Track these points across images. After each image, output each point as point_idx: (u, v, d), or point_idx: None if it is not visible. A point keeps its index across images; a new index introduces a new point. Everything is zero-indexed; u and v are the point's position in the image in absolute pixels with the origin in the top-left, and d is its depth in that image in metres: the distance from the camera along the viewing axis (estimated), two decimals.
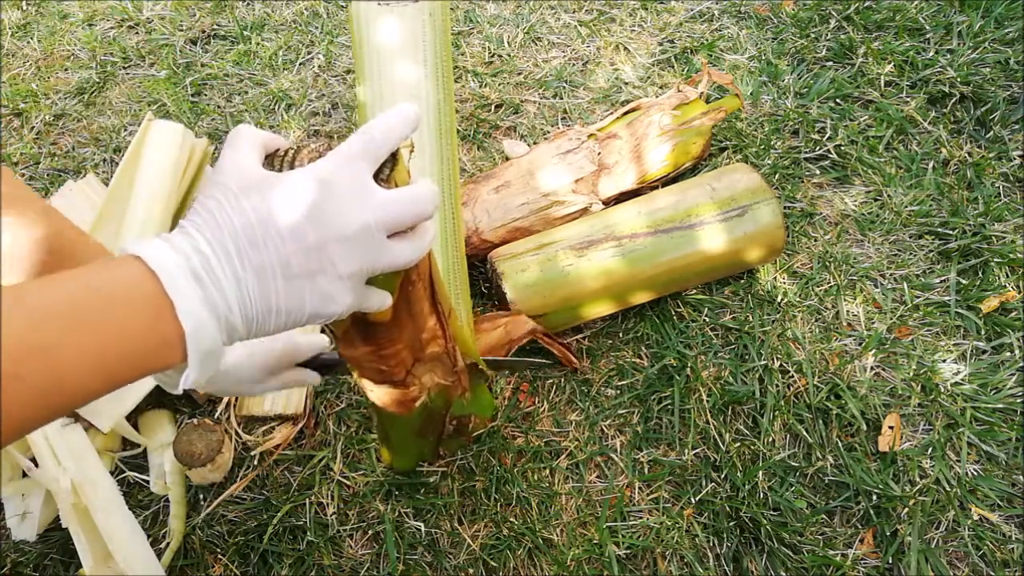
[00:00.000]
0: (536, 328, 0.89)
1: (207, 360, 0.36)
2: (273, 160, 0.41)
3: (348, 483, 0.89)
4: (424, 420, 0.71)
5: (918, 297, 1.01)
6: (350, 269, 0.38)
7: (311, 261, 0.36)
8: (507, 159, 1.14)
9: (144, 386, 0.88)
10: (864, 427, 0.90)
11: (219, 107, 1.30)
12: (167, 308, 0.33)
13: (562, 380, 0.96)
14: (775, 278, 1.03)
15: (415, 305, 0.54)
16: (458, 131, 1.24)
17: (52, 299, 0.31)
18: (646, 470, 0.90)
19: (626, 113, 1.11)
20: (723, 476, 0.88)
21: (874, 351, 0.96)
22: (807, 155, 1.17)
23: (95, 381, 0.32)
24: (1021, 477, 0.87)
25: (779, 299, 1.01)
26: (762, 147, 1.17)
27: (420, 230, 0.42)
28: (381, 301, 0.43)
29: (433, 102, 0.75)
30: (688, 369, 0.95)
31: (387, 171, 0.40)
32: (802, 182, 1.14)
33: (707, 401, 0.93)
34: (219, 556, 0.85)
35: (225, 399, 0.94)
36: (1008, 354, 0.95)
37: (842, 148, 1.17)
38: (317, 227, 0.36)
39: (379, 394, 0.63)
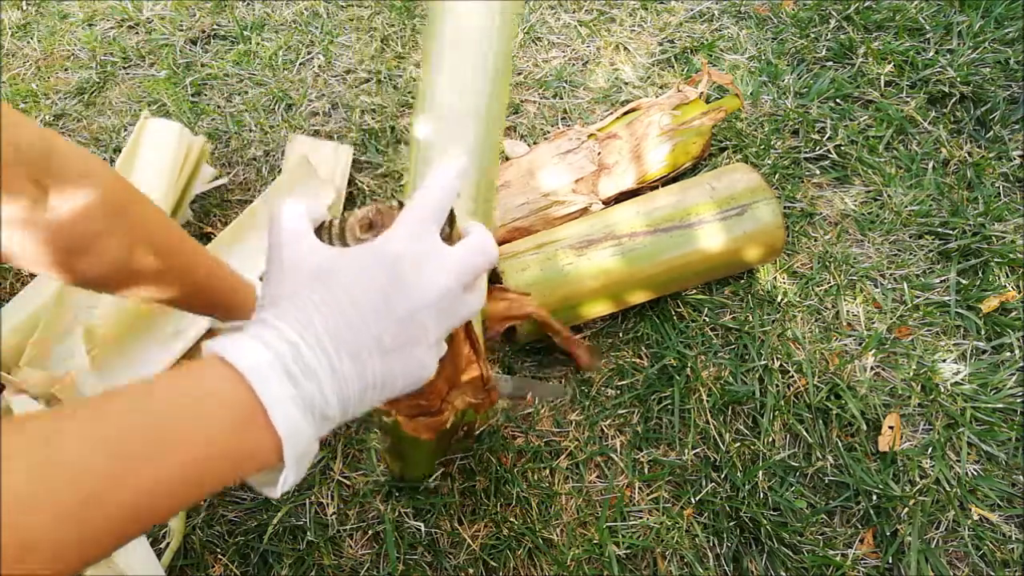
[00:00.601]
0: (536, 311, 0.87)
1: (303, 460, 0.34)
2: (320, 233, 0.40)
3: (348, 483, 0.89)
4: (442, 434, 0.71)
5: (918, 297, 1.01)
6: (439, 333, 0.38)
7: (404, 333, 0.36)
8: (507, 159, 1.14)
9: None
10: (864, 427, 0.90)
11: (219, 107, 1.30)
12: (259, 414, 0.31)
13: (562, 380, 0.96)
14: (775, 278, 1.03)
15: (455, 346, 0.54)
16: None
17: (137, 414, 0.30)
18: (646, 470, 0.90)
19: (626, 113, 1.11)
20: (723, 476, 0.88)
21: (874, 351, 0.96)
22: (807, 155, 1.17)
23: (183, 496, 0.31)
24: (1021, 477, 0.87)
25: (779, 299, 1.01)
26: (762, 147, 1.17)
27: (479, 281, 0.42)
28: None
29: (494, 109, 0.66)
30: (688, 369, 0.95)
31: (447, 229, 0.40)
32: (802, 182, 1.14)
33: (707, 401, 0.93)
34: (219, 556, 0.85)
35: None
36: (1008, 354, 0.95)
37: (842, 148, 1.17)
38: (404, 299, 0.35)
39: (414, 425, 0.62)
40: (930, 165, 1.14)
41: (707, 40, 1.34)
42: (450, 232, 0.41)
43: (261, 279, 0.43)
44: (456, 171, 0.40)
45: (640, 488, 0.89)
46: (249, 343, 0.33)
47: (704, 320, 1.00)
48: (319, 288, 0.35)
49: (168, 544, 0.84)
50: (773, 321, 1.00)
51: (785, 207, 1.11)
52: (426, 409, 0.60)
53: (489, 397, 0.66)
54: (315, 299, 0.34)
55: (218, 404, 0.31)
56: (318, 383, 0.33)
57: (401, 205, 0.41)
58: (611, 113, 1.15)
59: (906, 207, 1.10)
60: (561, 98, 1.28)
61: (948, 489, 0.86)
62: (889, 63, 1.27)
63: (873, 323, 0.99)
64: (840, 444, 0.89)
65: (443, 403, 0.61)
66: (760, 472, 0.87)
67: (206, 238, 1.11)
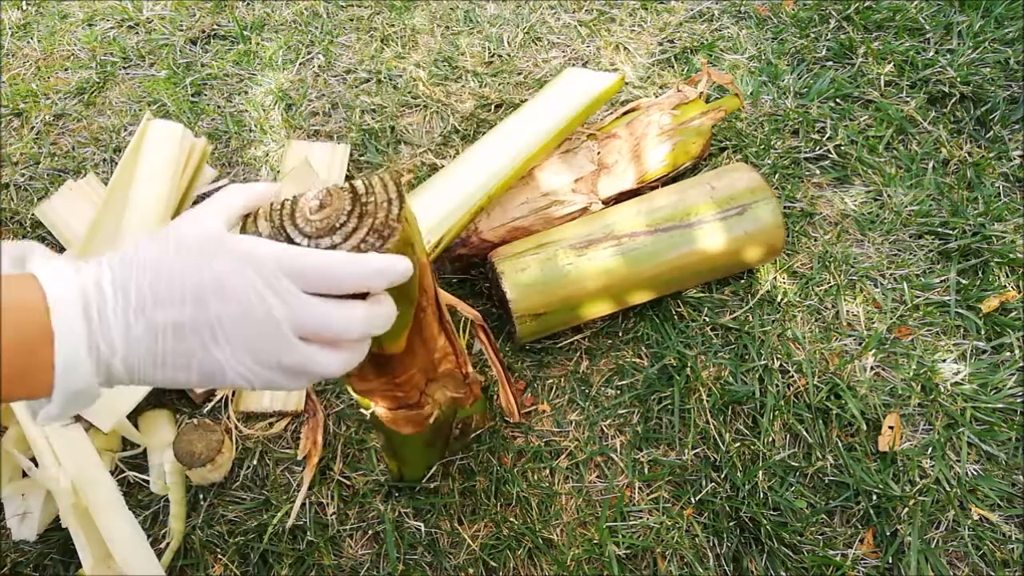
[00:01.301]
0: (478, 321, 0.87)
1: (75, 399, 0.35)
2: (272, 212, 0.40)
3: (348, 483, 0.89)
4: (433, 431, 0.71)
5: (918, 297, 1.01)
6: (245, 354, 0.36)
7: (204, 333, 0.35)
8: None
9: (144, 387, 0.88)
10: (864, 427, 0.90)
11: (219, 107, 1.30)
12: (47, 343, 0.33)
13: (562, 380, 0.96)
14: (775, 278, 1.03)
15: (426, 331, 0.53)
16: (458, 131, 1.24)
17: None
18: (646, 470, 0.90)
19: (625, 113, 1.11)
20: (723, 476, 0.88)
21: (874, 351, 0.96)
22: (807, 155, 1.17)
23: None
24: (1021, 477, 0.87)
25: (779, 299, 1.01)
26: (762, 147, 1.17)
27: (349, 348, 0.39)
28: (302, 384, 0.39)
29: None
30: (688, 369, 0.95)
31: (390, 231, 0.38)
32: (802, 182, 1.14)
33: (707, 401, 0.93)
34: (219, 556, 0.85)
35: (220, 395, 0.93)
36: (1008, 354, 0.95)
37: (842, 148, 1.17)
38: (220, 302, 0.35)
39: (392, 417, 0.62)
40: (930, 165, 1.14)
41: (707, 40, 1.34)
42: (388, 236, 0.39)
43: None
44: (382, 267, 0.38)
45: (640, 488, 0.89)
46: (66, 273, 0.34)
47: (704, 320, 1.00)
48: (161, 255, 0.36)
49: (168, 544, 0.84)
50: (773, 321, 1.00)
51: (785, 207, 1.11)
52: (404, 401, 0.59)
53: (471, 391, 0.66)
54: (144, 259, 0.36)
55: (15, 319, 0.32)
56: (108, 334, 0.34)
57: (353, 189, 0.40)
58: (611, 113, 1.15)
59: (906, 207, 1.10)
60: None
61: (948, 489, 0.86)
62: (889, 63, 1.27)
63: (873, 323, 0.99)
64: (840, 444, 0.89)
65: (422, 396, 0.61)
66: (760, 472, 0.87)
67: None
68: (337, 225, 0.39)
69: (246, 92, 1.32)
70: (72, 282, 0.34)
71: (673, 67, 1.31)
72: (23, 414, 0.83)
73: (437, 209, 0.93)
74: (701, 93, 1.10)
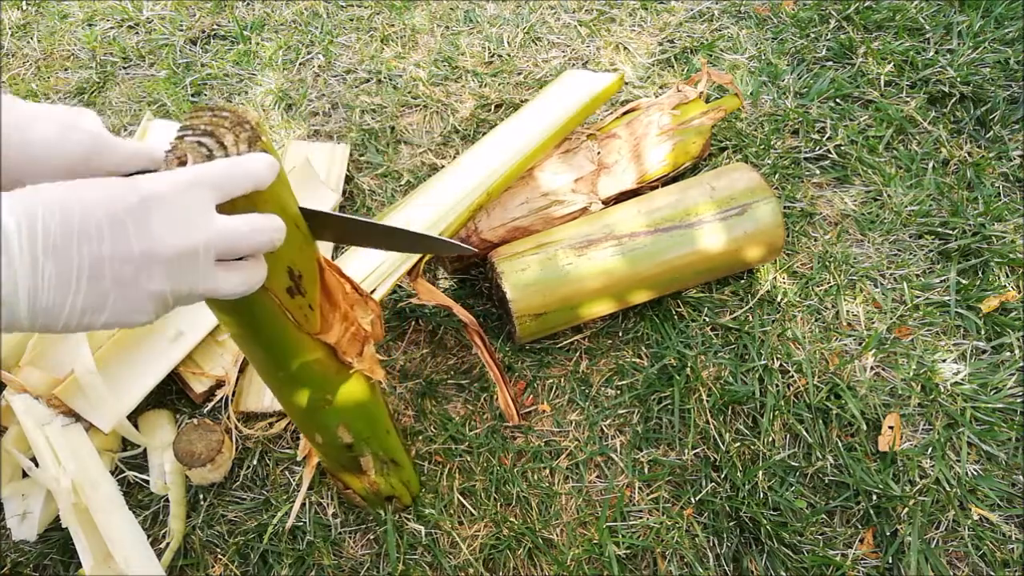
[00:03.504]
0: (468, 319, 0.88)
1: None
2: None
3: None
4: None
5: (918, 297, 1.01)
6: (162, 288, 0.36)
7: (125, 271, 0.35)
8: None
9: (145, 386, 0.89)
10: (864, 427, 0.90)
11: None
12: None
13: (562, 380, 0.96)
14: (775, 278, 1.03)
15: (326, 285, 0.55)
16: (458, 131, 1.24)
17: None
18: (646, 470, 0.90)
19: (625, 113, 1.11)
20: (723, 476, 0.88)
21: (874, 351, 0.96)
22: (807, 155, 1.17)
23: None
24: (1021, 477, 0.87)
25: (779, 299, 1.01)
26: (762, 147, 1.17)
27: (254, 261, 0.41)
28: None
29: None
30: (688, 369, 0.95)
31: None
32: (802, 182, 1.14)
33: (707, 401, 0.93)
34: (219, 556, 0.85)
35: (220, 394, 0.93)
36: (1008, 354, 0.95)
37: (842, 148, 1.17)
38: (141, 237, 0.35)
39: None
40: (930, 165, 1.14)
41: (707, 40, 1.34)
42: (255, 140, 0.41)
43: None
44: (265, 163, 0.40)
45: (640, 488, 0.89)
46: None
47: (704, 320, 1.00)
48: (63, 192, 0.34)
49: (168, 544, 0.84)
50: (773, 321, 1.00)
51: (785, 207, 1.11)
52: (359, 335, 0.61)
53: (372, 307, 0.65)
54: (52, 197, 0.34)
55: None
56: (11, 270, 0.32)
57: (211, 156, 0.41)
58: (611, 113, 1.15)
59: (906, 207, 1.10)
60: None
61: (948, 489, 0.86)
62: (889, 63, 1.27)
63: (873, 323, 0.99)
64: (840, 444, 0.89)
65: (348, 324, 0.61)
66: (760, 472, 0.87)
67: None
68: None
69: (246, 92, 1.32)
70: None
71: (673, 67, 1.31)
72: (23, 414, 0.83)
73: (436, 206, 0.93)
74: (701, 93, 1.10)
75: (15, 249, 0.32)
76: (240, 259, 0.40)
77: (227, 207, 0.39)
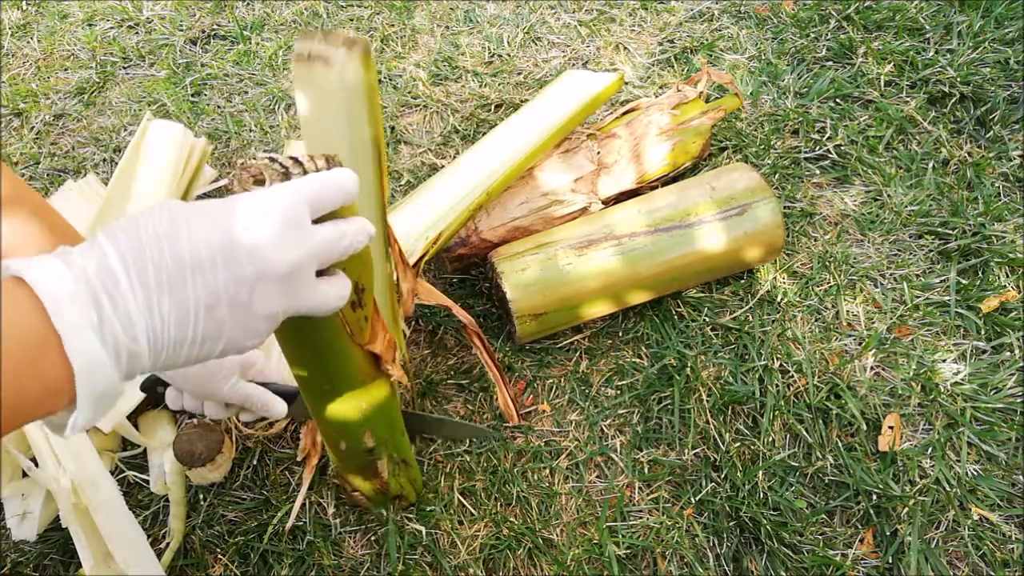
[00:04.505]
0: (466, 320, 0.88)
1: (101, 402, 0.31)
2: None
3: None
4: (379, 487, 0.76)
5: (918, 297, 1.01)
6: (276, 307, 0.36)
7: (240, 294, 0.34)
8: None
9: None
10: (864, 427, 0.90)
11: (219, 107, 1.30)
12: (54, 344, 0.28)
13: (562, 380, 0.96)
14: (775, 278, 1.03)
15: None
16: (458, 131, 1.24)
17: None
18: (646, 470, 0.90)
19: (625, 113, 1.11)
20: (723, 476, 0.88)
21: (874, 351, 0.96)
22: (807, 155, 1.17)
23: None
24: (1021, 477, 0.87)
25: (779, 299, 1.01)
26: (762, 147, 1.17)
27: (338, 274, 0.41)
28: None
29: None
30: (688, 369, 0.95)
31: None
32: (802, 182, 1.14)
33: (707, 401, 0.93)
34: (219, 556, 0.85)
35: None
36: (1008, 354, 0.95)
37: (842, 148, 1.17)
38: (254, 260, 0.34)
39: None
40: (930, 165, 1.14)
41: (707, 40, 1.34)
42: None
43: None
44: (352, 176, 0.40)
45: (640, 488, 0.89)
46: (55, 265, 0.30)
47: (704, 320, 1.00)
48: (173, 219, 0.33)
49: (168, 544, 0.84)
50: (773, 321, 1.00)
51: (785, 207, 1.11)
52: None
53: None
54: (152, 232, 0.32)
55: (7, 334, 0.27)
56: (128, 317, 0.30)
57: (299, 163, 0.41)
58: (611, 113, 1.15)
59: (906, 207, 1.10)
60: None
61: (948, 489, 0.86)
62: (889, 63, 1.27)
63: (873, 323, 0.99)
64: (840, 444, 0.89)
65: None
66: (760, 472, 0.87)
67: None
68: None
69: (246, 92, 1.32)
70: (64, 273, 0.30)
71: (673, 67, 1.31)
72: None
73: (436, 206, 0.93)
74: (701, 93, 1.10)
75: (127, 291, 0.30)
76: (325, 273, 0.40)
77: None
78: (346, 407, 0.61)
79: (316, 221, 0.38)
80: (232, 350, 0.36)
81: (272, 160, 0.40)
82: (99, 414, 0.32)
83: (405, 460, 0.78)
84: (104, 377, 0.30)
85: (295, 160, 0.41)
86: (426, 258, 0.87)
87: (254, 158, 0.41)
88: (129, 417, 0.88)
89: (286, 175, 0.40)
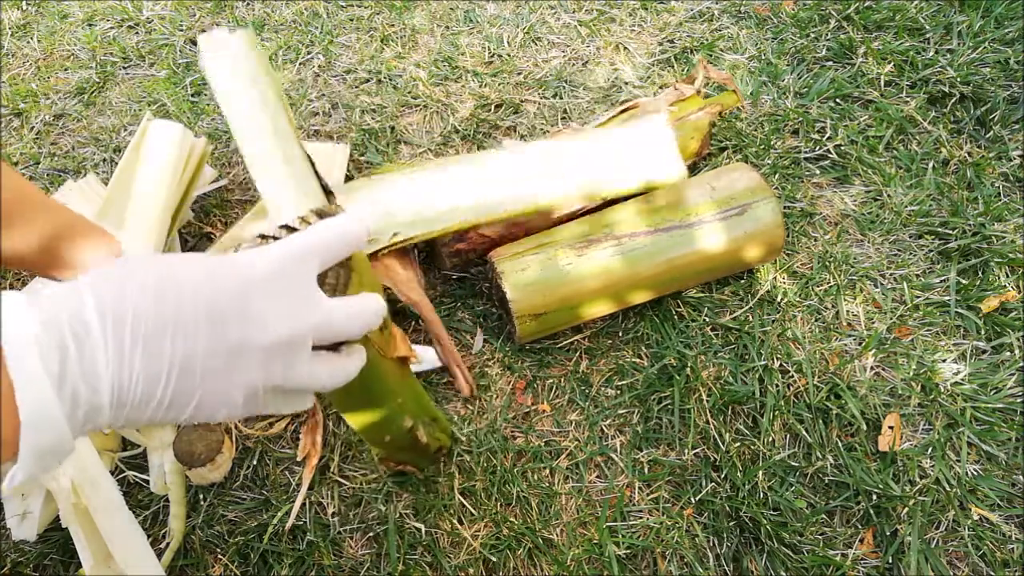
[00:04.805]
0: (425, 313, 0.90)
1: (45, 458, 0.28)
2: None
3: (348, 483, 0.89)
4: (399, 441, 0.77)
5: (918, 297, 1.01)
6: (254, 379, 0.32)
7: (218, 361, 0.31)
8: None
9: None
10: (864, 427, 0.90)
11: (219, 107, 1.30)
12: (9, 394, 0.26)
13: (562, 380, 0.96)
14: (775, 278, 1.03)
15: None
16: (458, 131, 1.24)
17: None
18: (646, 470, 0.90)
19: (623, 112, 1.11)
20: (723, 476, 0.88)
21: (874, 351, 0.96)
22: (807, 155, 1.17)
23: None
24: (1021, 477, 0.87)
25: (779, 299, 1.01)
26: (762, 147, 1.17)
27: (347, 353, 0.37)
28: (295, 406, 0.37)
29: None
30: (688, 369, 0.95)
31: (340, 282, 0.38)
32: (802, 182, 1.14)
33: (707, 401, 0.93)
34: (219, 556, 0.85)
35: None
36: (1008, 354, 0.95)
37: (842, 148, 1.17)
38: (238, 327, 0.31)
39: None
40: (930, 165, 1.14)
41: (707, 40, 1.34)
42: (344, 291, 0.38)
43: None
44: (360, 222, 0.37)
45: (640, 488, 0.89)
46: (20, 305, 0.28)
47: (704, 320, 1.00)
48: (152, 276, 0.30)
49: (168, 544, 0.84)
50: (773, 321, 1.00)
51: (785, 207, 1.11)
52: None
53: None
54: (140, 282, 0.30)
55: None
56: (94, 368, 0.28)
57: (293, 227, 0.38)
58: (610, 112, 1.15)
59: (906, 207, 1.10)
60: (561, 98, 1.28)
61: (948, 489, 0.86)
62: (889, 63, 1.27)
63: (873, 323, 0.99)
64: (840, 444, 0.89)
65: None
66: (760, 472, 0.87)
67: (207, 238, 1.11)
68: None
69: None
70: (28, 316, 0.28)
71: (673, 67, 1.31)
72: None
73: (395, 216, 0.90)
74: (699, 90, 1.10)
75: (98, 340, 0.28)
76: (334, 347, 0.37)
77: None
78: (387, 410, 0.63)
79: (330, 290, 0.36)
80: (202, 417, 0.33)
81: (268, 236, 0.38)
82: (42, 470, 0.29)
83: (433, 418, 0.79)
84: (53, 432, 0.28)
85: (293, 224, 0.38)
86: (393, 246, 0.89)
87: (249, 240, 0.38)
88: None
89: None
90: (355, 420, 0.63)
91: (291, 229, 0.38)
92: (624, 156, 0.97)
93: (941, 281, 1.02)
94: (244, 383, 0.32)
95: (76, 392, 0.28)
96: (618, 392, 0.95)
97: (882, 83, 1.25)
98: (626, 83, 1.29)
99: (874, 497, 0.85)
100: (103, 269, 0.30)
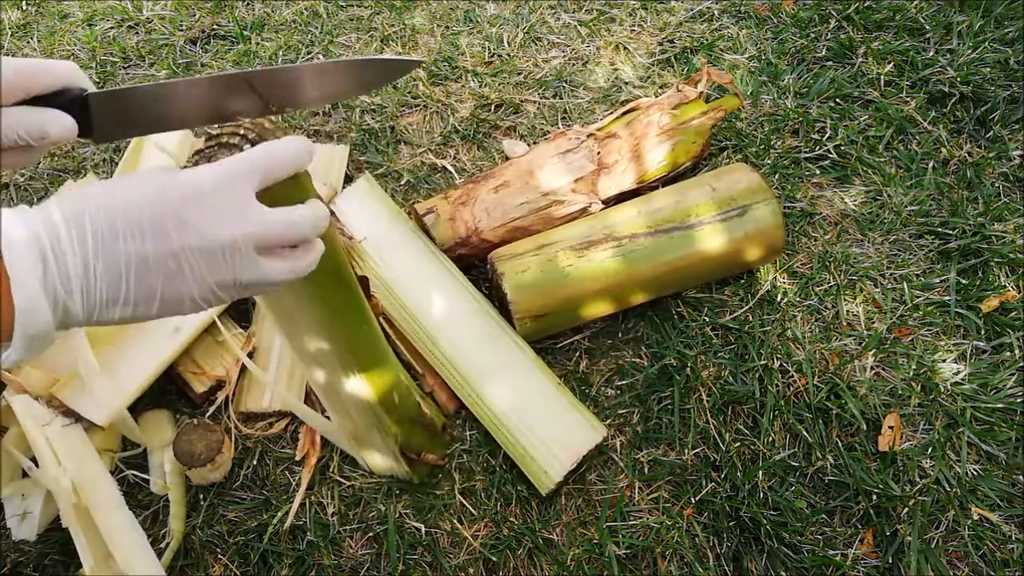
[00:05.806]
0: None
1: (34, 344, 0.35)
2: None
3: (348, 483, 0.89)
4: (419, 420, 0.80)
5: (918, 297, 1.01)
6: (208, 280, 0.37)
7: (168, 264, 0.36)
8: (507, 159, 1.14)
9: (140, 381, 0.88)
10: (864, 427, 0.90)
11: None
12: (4, 286, 0.32)
13: (562, 380, 0.96)
14: (775, 278, 1.03)
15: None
16: (458, 131, 1.24)
17: None
18: (646, 470, 0.90)
19: (625, 113, 1.11)
20: (723, 476, 0.88)
21: (874, 351, 0.96)
22: (807, 155, 1.17)
23: None
24: (1021, 477, 0.87)
25: (779, 299, 1.01)
26: (762, 147, 1.17)
27: (302, 250, 0.42)
28: (260, 293, 0.43)
29: None
30: (688, 369, 0.95)
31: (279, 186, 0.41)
32: (802, 182, 1.14)
33: (707, 401, 0.93)
34: (219, 556, 0.85)
35: (221, 395, 0.93)
36: (1008, 354, 0.95)
37: (842, 148, 1.17)
38: (181, 233, 0.36)
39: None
40: (930, 165, 1.14)
41: (707, 40, 1.34)
42: (282, 192, 0.41)
43: None
44: (303, 144, 0.41)
45: (640, 488, 0.89)
46: (14, 218, 0.34)
47: (704, 320, 1.00)
48: (113, 190, 0.36)
49: (168, 544, 0.84)
50: (773, 321, 1.00)
51: (785, 207, 1.11)
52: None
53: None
54: (96, 199, 0.36)
55: None
56: (66, 273, 0.34)
57: (246, 136, 0.42)
58: (610, 113, 1.15)
59: (906, 207, 1.10)
60: (561, 98, 1.28)
61: (948, 489, 0.86)
62: (889, 63, 1.27)
63: (873, 323, 0.99)
64: (840, 444, 0.89)
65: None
66: (760, 472, 0.87)
67: None
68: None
69: None
70: (22, 224, 0.34)
71: (673, 67, 1.31)
72: (23, 414, 0.83)
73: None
74: (701, 93, 1.10)
75: (67, 249, 0.34)
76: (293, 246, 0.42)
77: (266, 198, 0.39)
78: (373, 333, 0.67)
79: (269, 199, 0.39)
80: (169, 314, 0.38)
81: (224, 146, 0.42)
82: (30, 354, 0.35)
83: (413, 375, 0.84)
84: (42, 321, 0.34)
85: (249, 140, 0.42)
86: None
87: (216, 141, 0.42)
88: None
89: (239, 150, 0.41)
90: (361, 369, 0.66)
91: (223, 145, 0.42)
92: None
93: (941, 281, 1.02)
94: (196, 280, 0.37)
95: (56, 292, 0.34)
96: (618, 392, 0.95)
97: (882, 83, 1.25)
98: (626, 83, 1.29)
99: (874, 497, 0.85)
100: (68, 192, 0.36)
